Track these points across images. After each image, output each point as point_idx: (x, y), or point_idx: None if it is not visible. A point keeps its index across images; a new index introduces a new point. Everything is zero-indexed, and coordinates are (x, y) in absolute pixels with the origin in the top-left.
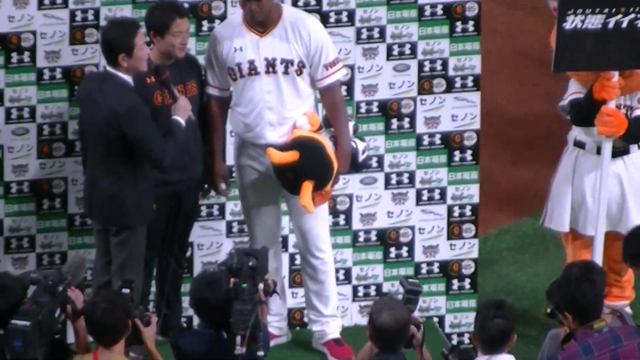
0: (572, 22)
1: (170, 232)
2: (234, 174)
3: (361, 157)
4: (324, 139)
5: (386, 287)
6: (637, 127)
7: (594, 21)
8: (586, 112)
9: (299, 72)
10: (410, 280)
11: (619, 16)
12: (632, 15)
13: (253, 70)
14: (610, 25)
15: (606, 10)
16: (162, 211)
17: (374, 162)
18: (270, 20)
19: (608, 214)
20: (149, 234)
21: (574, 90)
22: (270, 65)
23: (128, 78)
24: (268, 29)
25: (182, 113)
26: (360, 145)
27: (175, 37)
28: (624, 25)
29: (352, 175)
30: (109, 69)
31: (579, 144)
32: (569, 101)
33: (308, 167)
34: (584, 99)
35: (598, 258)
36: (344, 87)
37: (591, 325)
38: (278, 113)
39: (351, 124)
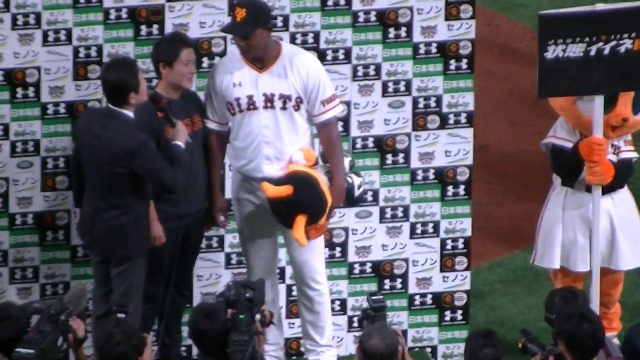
0: (554, 51)
1: (176, 264)
2: (232, 207)
3: (357, 192)
4: (319, 174)
5: (365, 301)
6: (623, 170)
7: (576, 49)
8: (570, 167)
9: (297, 108)
10: (374, 297)
11: (600, 44)
12: (614, 42)
13: (251, 105)
14: (592, 52)
15: (587, 39)
16: (171, 244)
17: (369, 197)
18: (269, 56)
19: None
20: (157, 266)
21: (560, 134)
22: (269, 101)
23: (131, 114)
24: (267, 65)
25: (181, 138)
26: (357, 180)
27: (185, 66)
28: (606, 52)
29: (348, 209)
30: (111, 106)
31: (568, 184)
32: (552, 145)
33: (301, 201)
34: (570, 156)
35: (595, 292)
36: (340, 123)
37: None
38: (275, 147)
39: (347, 160)
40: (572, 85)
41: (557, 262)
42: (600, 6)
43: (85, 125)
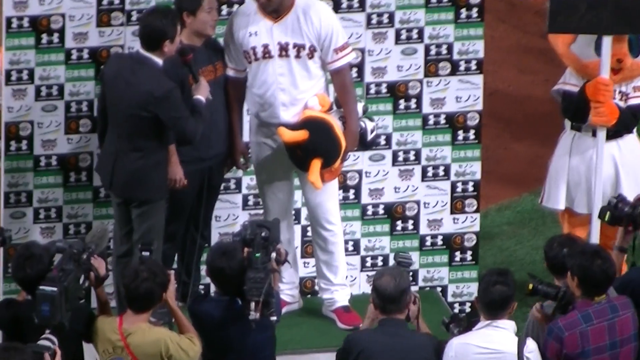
0: None
1: (198, 206)
2: (250, 150)
3: (370, 136)
4: (333, 119)
5: (392, 258)
6: (628, 116)
7: None
8: (578, 108)
9: (311, 56)
10: (401, 254)
11: None
12: None
13: (267, 54)
14: None
15: None
16: (193, 186)
17: (382, 141)
18: (283, 7)
19: (602, 194)
20: (179, 207)
21: (570, 81)
22: (283, 49)
23: (160, 62)
24: (281, 15)
25: (203, 92)
26: (369, 125)
27: (207, 13)
28: None
29: (362, 152)
30: (143, 52)
31: (576, 127)
32: (563, 91)
33: (316, 145)
34: (577, 98)
35: (595, 237)
36: (354, 70)
37: (592, 297)
38: (290, 94)
39: (361, 105)
40: (581, 22)
41: (562, 204)
42: None
43: (114, 69)
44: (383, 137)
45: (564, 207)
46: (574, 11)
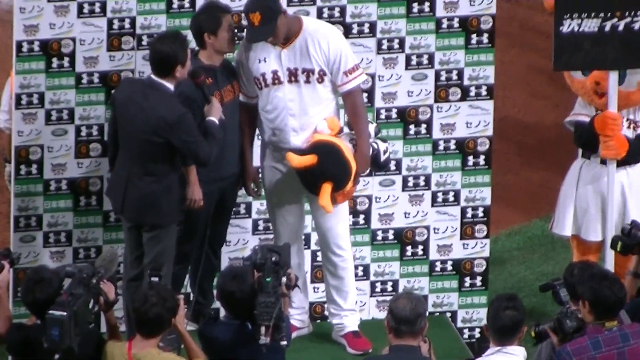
0: (569, 25)
1: (212, 225)
2: (260, 175)
3: (383, 157)
4: (342, 142)
5: (402, 284)
6: (638, 146)
7: (591, 24)
8: (588, 140)
9: (320, 80)
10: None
11: (615, 20)
12: (628, 19)
13: (276, 80)
14: (607, 28)
15: (601, 14)
16: (208, 206)
17: (392, 166)
18: (291, 33)
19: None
20: (192, 227)
21: (582, 111)
22: (293, 75)
23: (171, 87)
24: (289, 41)
25: (216, 113)
26: (382, 146)
27: (227, 31)
28: (621, 28)
29: (372, 177)
30: (154, 77)
31: (587, 155)
32: (575, 122)
33: (326, 169)
34: (587, 130)
35: (609, 263)
36: (365, 94)
37: (603, 322)
38: (300, 119)
39: (372, 127)
40: (587, 59)
41: (569, 231)
42: None
43: (126, 94)
44: (393, 163)
45: (570, 233)
46: (578, 48)
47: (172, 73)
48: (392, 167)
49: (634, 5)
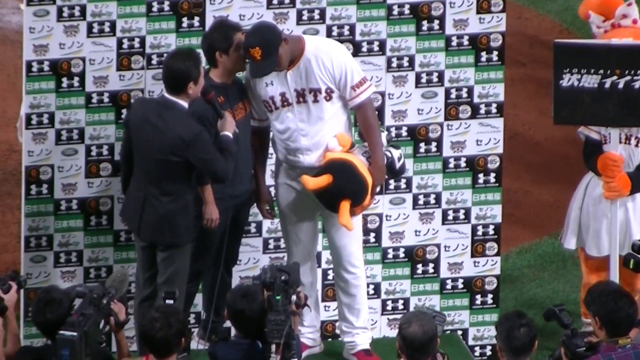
0: (569, 80)
1: (225, 242)
2: (274, 193)
3: (398, 165)
4: (355, 157)
5: (413, 302)
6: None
7: (590, 80)
8: (593, 170)
9: (328, 98)
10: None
11: (615, 77)
12: (628, 77)
13: (285, 102)
14: (607, 85)
15: (601, 71)
16: (223, 224)
17: (402, 184)
18: (295, 54)
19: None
20: (206, 245)
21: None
22: (300, 96)
23: (186, 105)
24: (294, 63)
25: (229, 128)
26: (395, 153)
27: (239, 50)
28: (621, 86)
29: (382, 195)
30: (168, 96)
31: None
32: (586, 136)
33: (342, 187)
34: (591, 165)
35: (614, 278)
36: (375, 113)
37: (616, 340)
38: (312, 139)
39: (384, 135)
40: (587, 114)
41: (573, 244)
42: (614, 40)
43: (140, 114)
44: (403, 181)
45: (574, 247)
46: (579, 103)
47: (185, 90)
48: (403, 185)
49: (632, 64)
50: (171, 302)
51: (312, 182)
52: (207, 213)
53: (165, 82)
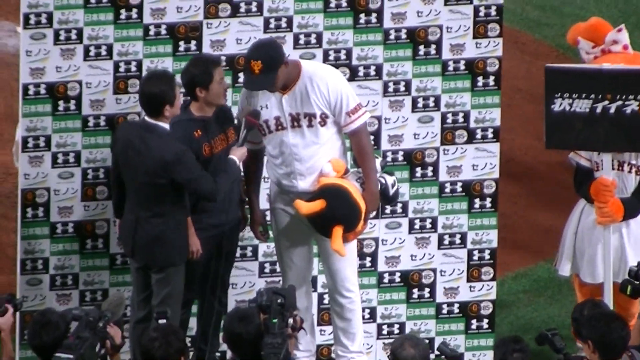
0: (560, 104)
1: (213, 273)
2: (268, 218)
3: (391, 191)
4: (349, 183)
5: (409, 326)
6: (634, 205)
7: (582, 105)
8: (585, 197)
9: (323, 123)
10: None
11: (606, 102)
12: (620, 102)
13: (280, 126)
14: (598, 110)
15: (592, 96)
16: (204, 253)
17: (398, 209)
18: (290, 79)
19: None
20: (190, 274)
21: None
22: (295, 120)
23: (167, 126)
24: (289, 87)
25: (237, 154)
26: (389, 179)
27: (219, 84)
28: (612, 111)
29: (378, 220)
30: (148, 119)
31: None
32: (576, 164)
33: (335, 213)
34: (584, 192)
35: (608, 303)
36: (371, 137)
37: None
38: (306, 163)
39: (378, 161)
40: (578, 139)
41: (567, 270)
42: (606, 65)
43: (123, 138)
44: (400, 205)
45: (568, 274)
46: (570, 128)
47: (162, 113)
48: (399, 210)
49: (623, 89)
50: (164, 321)
51: (306, 207)
52: (189, 244)
53: (142, 106)
